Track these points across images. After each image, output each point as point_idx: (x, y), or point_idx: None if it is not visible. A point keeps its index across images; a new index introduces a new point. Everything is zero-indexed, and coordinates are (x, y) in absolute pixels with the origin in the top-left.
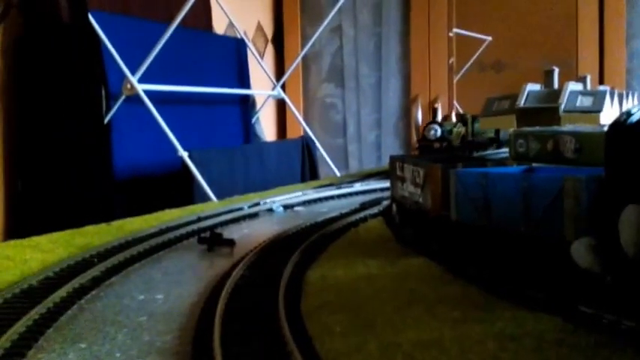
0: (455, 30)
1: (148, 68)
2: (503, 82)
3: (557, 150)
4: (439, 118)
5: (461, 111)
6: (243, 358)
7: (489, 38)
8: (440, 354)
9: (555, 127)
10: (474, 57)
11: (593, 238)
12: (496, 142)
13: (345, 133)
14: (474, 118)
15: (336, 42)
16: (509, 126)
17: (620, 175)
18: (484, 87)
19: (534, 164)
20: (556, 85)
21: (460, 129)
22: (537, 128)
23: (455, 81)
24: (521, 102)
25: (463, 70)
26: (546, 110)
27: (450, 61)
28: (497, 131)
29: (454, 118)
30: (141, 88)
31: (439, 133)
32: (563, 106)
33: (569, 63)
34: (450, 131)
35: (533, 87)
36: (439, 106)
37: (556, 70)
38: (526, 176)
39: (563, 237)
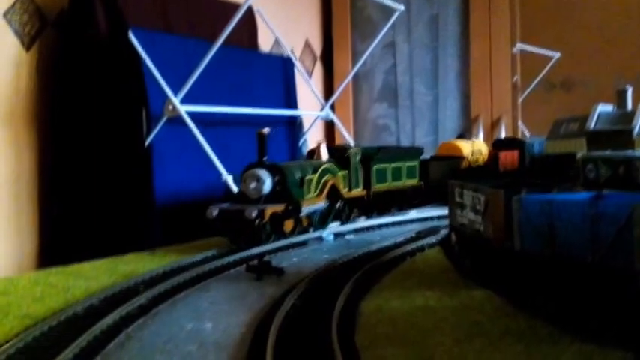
0: (519, 46)
1: (190, 88)
2: (574, 101)
3: (629, 176)
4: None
5: (527, 134)
6: None
7: (557, 54)
8: None
9: (627, 152)
10: (541, 74)
11: None
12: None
13: None
14: (376, 152)
15: (389, 59)
16: (578, 149)
17: None
18: (552, 107)
19: (604, 191)
20: (630, 106)
21: (326, 178)
22: (608, 153)
23: (520, 100)
24: (592, 124)
25: (529, 89)
26: (618, 133)
27: (514, 79)
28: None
29: (324, 154)
30: (184, 109)
31: (268, 186)
32: (637, 129)
33: None
34: (300, 182)
35: (604, 108)
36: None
37: (629, 90)
38: (593, 203)
39: (633, 266)
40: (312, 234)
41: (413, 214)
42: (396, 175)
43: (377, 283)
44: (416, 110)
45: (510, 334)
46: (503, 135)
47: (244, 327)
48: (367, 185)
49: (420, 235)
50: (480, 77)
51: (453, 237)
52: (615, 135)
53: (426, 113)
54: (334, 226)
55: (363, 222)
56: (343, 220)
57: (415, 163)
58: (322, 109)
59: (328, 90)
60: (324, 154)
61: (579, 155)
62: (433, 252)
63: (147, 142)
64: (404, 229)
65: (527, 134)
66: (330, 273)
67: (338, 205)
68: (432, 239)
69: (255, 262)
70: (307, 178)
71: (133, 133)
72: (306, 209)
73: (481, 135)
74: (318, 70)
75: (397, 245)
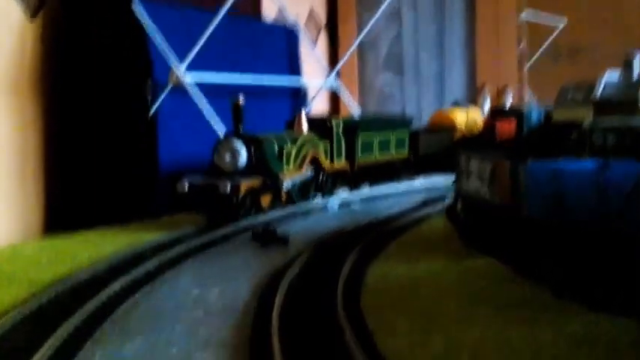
0: (525, 14)
1: (195, 58)
2: (581, 68)
3: (636, 144)
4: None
5: (534, 102)
6: (303, 355)
7: (564, 20)
8: (511, 353)
9: (634, 120)
10: (548, 41)
11: None
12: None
13: None
14: (361, 123)
15: (394, 28)
16: (585, 117)
17: None
18: (559, 74)
19: (611, 159)
20: (637, 74)
21: (306, 149)
22: (615, 121)
23: (526, 68)
24: (598, 92)
25: (535, 57)
26: (626, 101)
27: (521, 47)
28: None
29: (304, 125)
30: (188, 78)
31: (244, 158)
32: None
33: None
34: (280, 153)
35: (611, 75)
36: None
37: (637, 57)
38: (600, 171)
39: (639, 234)
40: (316, 203)
41: (419, 182)
42: (384, 146)
43: (382, 251)
44: (421, 79)
45: (515, 301)
46: (509, 104)
47: (250, 293)
48: (351, 157)
49: (425, 204)
50: (486, 45)
51: (459, 205)
52: (622, 103)
53: (432, 82)
54: (339, 196)
55: (368, 191)
56: (325, 193)
57: (404, 135)
58: (327, 79)
59: (333, 59)
60: (304, 125)
61: (586, 123)
62: (439, 220)
63: (151, 112)
64: (410, 198)
65: (535, 102)
66: (336, 241)
67: (320, 178)
68: (438, 207)
69: (261, 230)
70: (286, 149)
71: (137, 102)
72: (285, 182)
73: (487, 104)
74: (323, 39)
75: (403, 214)
